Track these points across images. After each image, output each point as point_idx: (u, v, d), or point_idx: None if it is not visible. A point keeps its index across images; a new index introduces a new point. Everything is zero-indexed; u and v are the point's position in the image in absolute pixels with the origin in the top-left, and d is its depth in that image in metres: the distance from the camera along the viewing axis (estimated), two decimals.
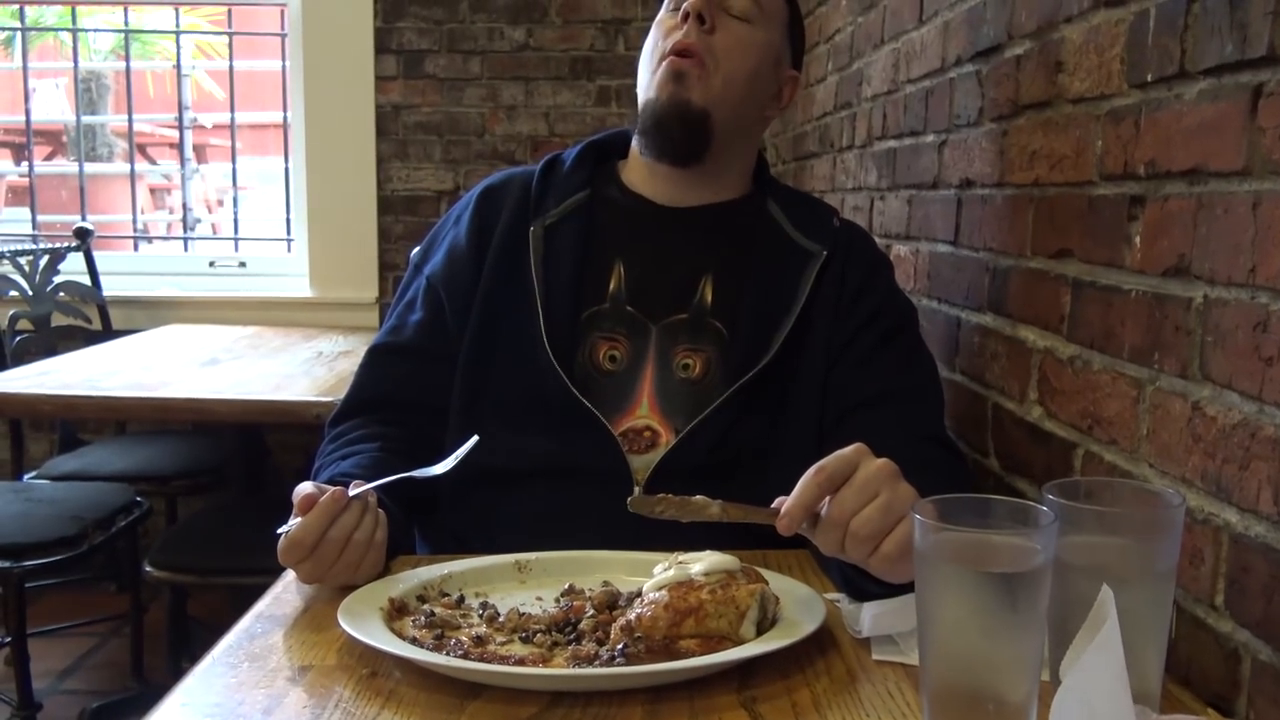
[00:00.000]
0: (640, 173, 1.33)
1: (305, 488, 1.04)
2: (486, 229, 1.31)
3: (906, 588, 0.90)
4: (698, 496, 0.94)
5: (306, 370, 2.51)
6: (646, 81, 1.29)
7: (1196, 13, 0.90)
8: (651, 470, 1.20)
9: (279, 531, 1.01)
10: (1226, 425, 0.85)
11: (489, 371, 1.27)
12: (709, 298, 1.27)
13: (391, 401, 1.29)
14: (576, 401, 1.20)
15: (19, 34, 4.05)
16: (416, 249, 1.40)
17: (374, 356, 1.34)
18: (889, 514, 0.88)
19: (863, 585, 0.97)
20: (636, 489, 1.18)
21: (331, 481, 1.10)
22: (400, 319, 1.34)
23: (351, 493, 1.04)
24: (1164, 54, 0.95)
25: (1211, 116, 0.88)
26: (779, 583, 0.98)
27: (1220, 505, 0.86)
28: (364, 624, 0.90)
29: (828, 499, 0.90)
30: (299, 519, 1.01)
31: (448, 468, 1.11)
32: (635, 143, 1.32)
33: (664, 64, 1.26)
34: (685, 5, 1.26)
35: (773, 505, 0.92)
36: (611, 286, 1.28)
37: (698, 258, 1.29)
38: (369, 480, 1.09)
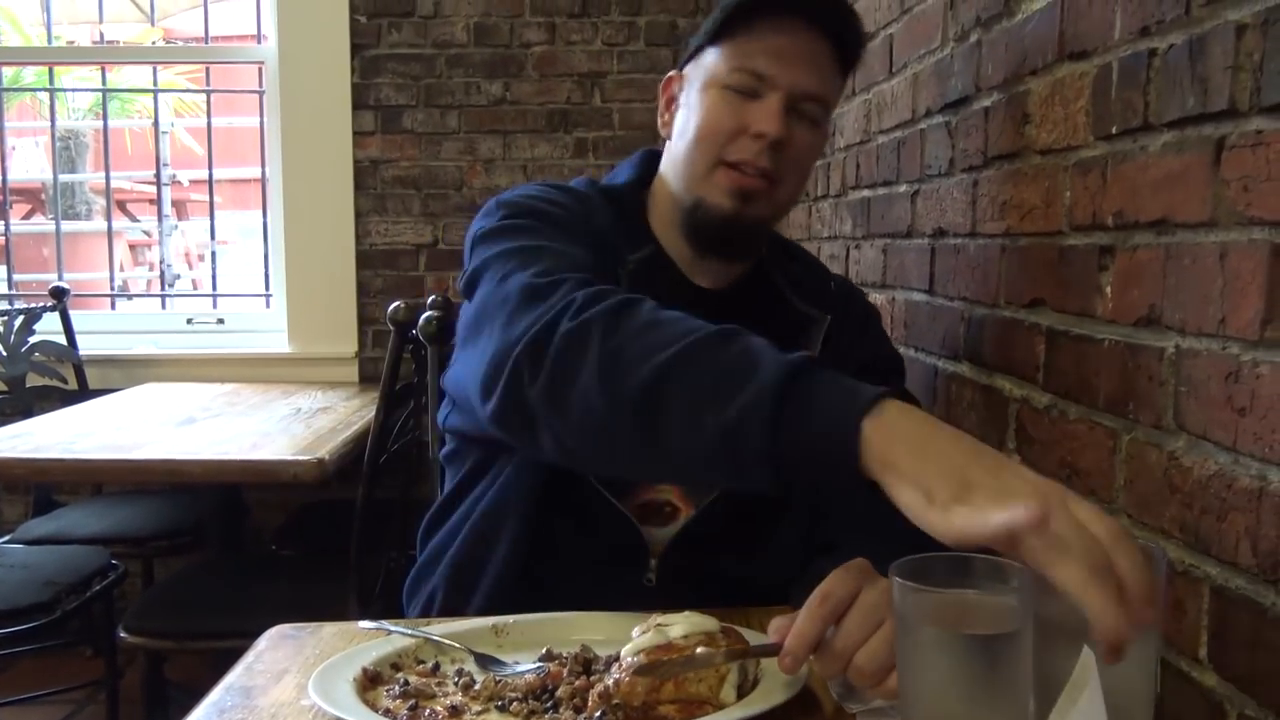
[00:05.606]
0: (673, 239, 1.23)
1: None
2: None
3: None
4: (700, 650, 0.87)
5: (284, 428, 2.48)
6: (694, 173, 1.17)
7: (1158, 66, 0.91)
8: (669, 542, 1.18)
9: None
10: (1203, 476, 0.85)
11: None
12: None
13: None
14: (593, 488, 1.16)
15: None
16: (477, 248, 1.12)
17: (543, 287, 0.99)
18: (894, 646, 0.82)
19: None
20: (653, 561, 1.17)
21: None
22: (554, 256, 1.04)
23: None
24: (1127, 106, 0.96)
25: (1176, 168, 0.88)
26: (760, 643, 0.96)
27: (1200, 557, 0.85)
28: (336, 696, 0.88)
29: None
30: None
31: None
32: (672, 203, 1.21)
33: (728, 175, 1.15)
34: (766, 130, 1.12)
35: (772, 637, 0.88)
36: None
37: None
38: None
